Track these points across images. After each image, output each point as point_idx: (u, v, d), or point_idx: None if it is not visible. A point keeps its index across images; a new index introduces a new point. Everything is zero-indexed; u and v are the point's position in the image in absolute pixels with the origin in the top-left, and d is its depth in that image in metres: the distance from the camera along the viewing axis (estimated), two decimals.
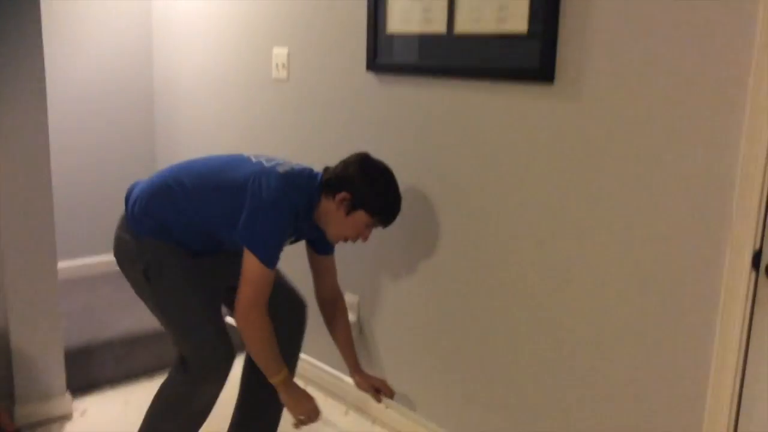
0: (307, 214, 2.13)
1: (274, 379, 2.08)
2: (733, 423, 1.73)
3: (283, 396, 2.11)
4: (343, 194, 2.08)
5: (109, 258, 3.88)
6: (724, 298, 1.69)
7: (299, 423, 2.14)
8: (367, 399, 2.51)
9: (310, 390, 2.48)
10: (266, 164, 2.12)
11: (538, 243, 2.09)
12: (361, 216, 2.10)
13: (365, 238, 2.18)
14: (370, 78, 2.53)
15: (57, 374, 2.62)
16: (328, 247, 2.34)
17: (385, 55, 2.47)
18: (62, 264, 2.70)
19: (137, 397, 2.79)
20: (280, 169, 2.10)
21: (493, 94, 2.15)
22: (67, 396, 2.66)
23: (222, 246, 2.17)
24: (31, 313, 2.51)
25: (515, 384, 2.22)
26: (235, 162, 2.16)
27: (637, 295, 1.87)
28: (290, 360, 2.31)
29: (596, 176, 1.92)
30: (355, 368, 2.45)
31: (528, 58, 2.02)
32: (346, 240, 2.18)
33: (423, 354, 2.52)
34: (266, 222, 2.01)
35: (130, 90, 3.85)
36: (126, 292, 3.53)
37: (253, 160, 2.15)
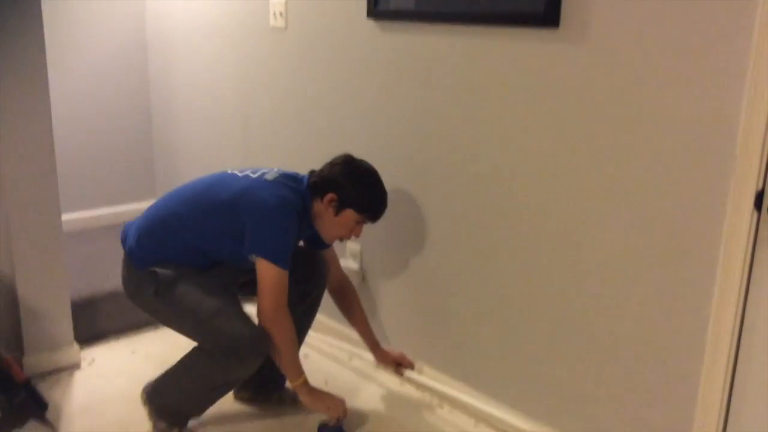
0: (305, 214, 2.21)
1: (297, 381, 2.17)
2: (732, 360, 1.78)
3: (304, 398, 2.20)
4: (330, 195, 2.18)
5: (106, 211, 3.96)
6: (726, 237, 1.72)
7: (326, 423, 2.26)
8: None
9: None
10: (253, 176, 2.20)
11: (542, 189, 2.11)
12: (349, 214, 2.20)
13: (357, 235, 2.28)
14: (371, 25, 2.52)
15: (64, 325, 2.65)
16: (322, 244, 2.41)
17: (386, 1, 2.45)
18: (63, 217, 2.70)
19: (143, 347, 2.83)
20: (269, 177, 2.19)
21: (496, 39, 2.15)
22: (75, 346, 2.70)
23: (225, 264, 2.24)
24: (37, 265, 2.53)
25: (516, 332, 2.26)
26: (223, 180, 2.23)
27: (640, 236, 1.90)
28: (303, 328, 2.41)
29: (600, 120, 1.93)
30: (374, 346, 2.55)
31: (532, 2, 2.01)
32: (341, 239, 2.30)
33: (424, 300, 2.56)
34: (274, 227, 2.09)
35: (123, 39, 3.82)
36: None
37: (239, 174, 2.22)
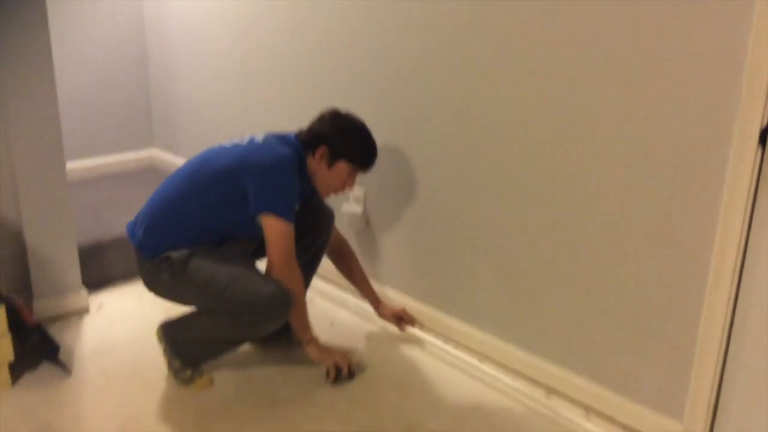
0: (303, 168, 2.24)
1: (307, 335, 2.26)
2: (734, 294, 1.81)
3: (312, 351, 2.27)
4: (321, 149, 2.22)
5: (105, 160, 3.96)
6: (730, 173, 1.74)
7: (335, 378, 2.28)
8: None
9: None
10: (243, 143, 2.23)
11: (543, 128, 2.12)
12: (342, 166, 2.25)
13: (350, 187, 2.33)
14: None
15: (72, 270, 2.68)
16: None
17: None
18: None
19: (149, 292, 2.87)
20: (259, 140, 2.22)
21: None
22: (83, 291, 2.73)
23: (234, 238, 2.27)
24: (43, 211, 2.55)
25: (517, 270, 2.29)
26: (215, 153, 2.25)
27: (644, 172, 1.91)
28: (307, 278, 2.46)
29: (605, 57, 1.93)
30: (376, 303, 2.62)
31: None
32: (336, 192, 2.34)
33: (427, 242, 2.59)
34: (275, 182, 2.12)
35: None
36: (127, 192, 3.60)
37: (228, 145, 2.25)
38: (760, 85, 1.66)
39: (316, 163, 2.25)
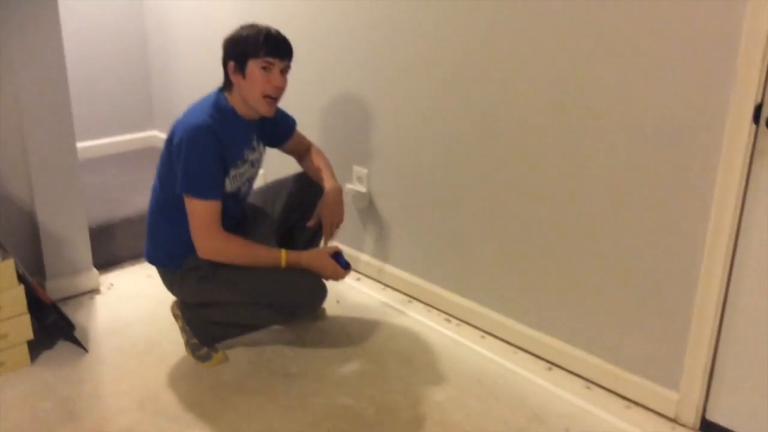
0: (227, 118, 2.17)
1: (281, 261, 2.16)
2: (728, 266, 1.89)
3: (302, 266, 2.20)
4: (229, 65, 2.16)
5: (107, 141, 4.00)
6: (725, 149, 1.80)
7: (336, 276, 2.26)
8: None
9: None
10: None
11: (544, 106, 2.16)
12: (253, 66, 2.13)
13: (279, 84, 2.16)
14: None
15: (83, 250, 2.74)
16: (284, 132, 2.45)
17: None
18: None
19: None
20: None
21: None
22: (94, 271, 2.79)
23: (232, 213, 2.26)
24: (55, 193, 2.60)
25: (519, 248, 2.35)
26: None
27: (640, 148, 1.97)
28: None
29: (602, 34, 1.98)
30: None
31: None
32: (270, 98, 2.17)
33: (430, 220, 2.64)
34: (188, 160, 2.06)
35: None
36: (133, 173, 3.64)
37: None
38: (754, 63, 1.72)
39: (237, 83, 2.16)
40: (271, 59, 2.13)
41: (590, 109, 2.06)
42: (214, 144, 2.08)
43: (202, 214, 2.08)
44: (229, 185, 2.18)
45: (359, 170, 2.84)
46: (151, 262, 2.30)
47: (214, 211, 2.09)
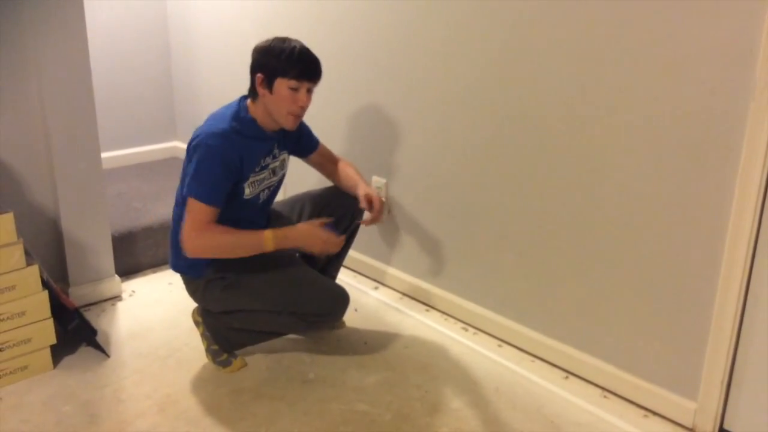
0: (252, 129, 2.19)
1: (268, 244, 2.11)
2: (747, 276, 1.87)
3: (290, 244, 2.16)
4: (257, 77, 2.15)
5: (135, 150, 4.07)
6: (744, 155, 1.79)
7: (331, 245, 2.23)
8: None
9: None
10: None
11: (562, 114, 2.18)
12: (280, 83, 2.13)
13: (304, 104, 2.18)
14: None
15: (106, 258, 2.78)
16: (310, 144, 2.47)
17: None
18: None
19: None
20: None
21: None
22: (116, 278, 2.83)
23: (248, 218, 2.25)
24: (79, 201, 2.65)
25: (537, 257, 2.36)
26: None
27: (659, 156, 1.96)
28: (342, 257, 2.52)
29: (620, 48, 1.98)
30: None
31: None
32: (295, 116, 2.19)
33: (448, 230, 2.66)
34: (198, 167, 2.07)
35: None
36: (155, 183, 3.69)
37: None
38: None
39: (262, 95, 2.17)
40: (300, 81, 2.14)
41: (609, 120, 2.07)
42: (229, 153, 2.10)
43: (198, 214, 2.08)
44: (248, 191, 2.21)
45: (378, 180, 2.86)
46: (176, 270, 2.32)
47: (210, 215, 2.09)
